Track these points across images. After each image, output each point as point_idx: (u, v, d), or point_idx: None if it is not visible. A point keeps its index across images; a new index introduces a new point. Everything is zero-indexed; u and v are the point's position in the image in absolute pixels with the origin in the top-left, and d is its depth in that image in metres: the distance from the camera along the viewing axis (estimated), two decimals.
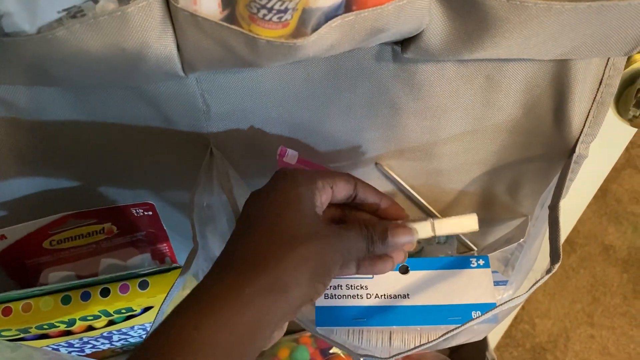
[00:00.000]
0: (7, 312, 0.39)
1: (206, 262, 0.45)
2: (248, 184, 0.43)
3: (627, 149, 1.53)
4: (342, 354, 0.66)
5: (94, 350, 0.49)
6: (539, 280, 0.38)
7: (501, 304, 0.38)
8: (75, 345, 0.46)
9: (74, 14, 0.27)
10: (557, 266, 0.38)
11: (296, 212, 0.32)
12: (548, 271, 0.37)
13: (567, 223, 0.67)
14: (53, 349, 0.45)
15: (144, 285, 0.41)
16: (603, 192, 1.44)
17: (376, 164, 0.46)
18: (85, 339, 0.45)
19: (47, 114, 0.37)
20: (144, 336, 0.48)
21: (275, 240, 0.30)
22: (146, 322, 0.45)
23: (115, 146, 0.41)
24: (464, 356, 0.66)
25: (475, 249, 0.55)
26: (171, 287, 0.37)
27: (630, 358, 1.20)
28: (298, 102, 0.38)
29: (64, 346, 0.45)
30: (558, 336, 1.23)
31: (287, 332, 0.71)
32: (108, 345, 0.48)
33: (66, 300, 0.40)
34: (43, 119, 0.37)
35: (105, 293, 0.40)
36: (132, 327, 0.45)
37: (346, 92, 0.38)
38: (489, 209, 0.51)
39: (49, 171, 0.42)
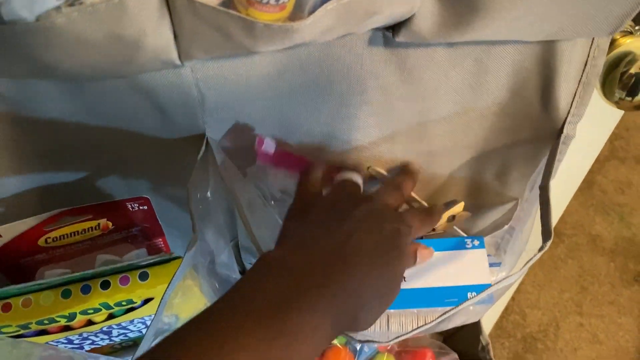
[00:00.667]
0: (6, 308, 0.39)
1: (202, 257, 0.45)
2: (243, 175, 0.44)
3: (610, 141, 1.55)
4: (338, 344, 0.66)
5: (93, 346, 0.49)
6: (532, 257, 0.38)
7: (496, 283, 0.39)
8: (75, 342, 0.46)
9: (72, 2, 0.27)
10: (549, 244, 0.39)
11: None
12: (541, 249, 0.38)
13: (554, 211, 0.68)
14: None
15: (144, 277, 0.41)
16: (589, 184, 1.46)
17: (368, 168, 0.47)
18: (84, 335, 0.45)
19: (42, 108, 0.37)
20: (143, 330, 0.49)
21: None
22: (146, 315, 0.45)
23: (110, 140, 0.41)
24: (459, 341, 0.67)
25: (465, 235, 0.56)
26: (172, 278, 0.37)
27: (619, 345, 1.22)
28: (292, 91, 0.39)
29: (63, 342, 0.45)
30: (548, 326, 1.25)
31: None
32: (107, 341, 0.48)
33: (66, 294, 0.40)
34: (38, 113, 0.37)
35: (105, 285, 0.40)
36: (131, 321, 0.45)
37: (339, 79, 0.39)
38: (479, 195, 0.52)
39: (44, 167, 0.42)
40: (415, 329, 0.39)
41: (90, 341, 0.47)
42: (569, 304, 1.28)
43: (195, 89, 0.37)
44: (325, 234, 0.34)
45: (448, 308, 0.38)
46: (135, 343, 0.52)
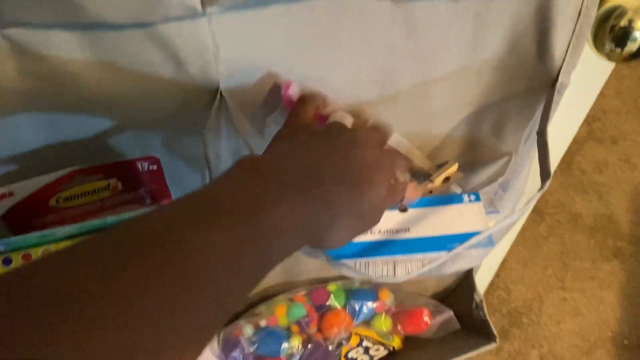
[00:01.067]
0: (27, 257, 0.40)
1: None
2: (258, 128, 0.45)
3: (588, 123, 1.60)
4: (338, 306, 0.68)
5: None
6: (532, 197, 0.41)
7: (495, 224, 0.41)
8: None
9: None
10: (547, 184, 0.41)
11: None
12: (540, 189, 0.41)
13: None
14: None
15: None
16: (568, 165, 1.51)
17: None
18: None
19: (61, 60, 0.38)
20: None
21: None
22: None
23: (124, 95, 0.42)
24: (454, 301, 0.69)
25: (460, 189, 0.58)
26: None
27: (600, 318, 1.26)
28: (303, 42, 0.41)
29: None
30: (532, 301, 1.29)
31: (281, 292, 0.73)
32: None
33: None
34: (57, 66, 0.38)
35: None
36: None
37: (347, 36, 0.41)
38: (475, 151, 0.54)
39: (58, 122, 0.43)
40: (423, 268, 0.41)
41: None
42: (552, 279, 1.32)
43: (210, 40, 0.38)
44: (306, 152, 0.34)
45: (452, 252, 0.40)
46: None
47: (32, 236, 0.40)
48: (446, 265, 0.46)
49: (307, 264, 0.70)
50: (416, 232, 0.48)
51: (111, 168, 0.48)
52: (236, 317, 0.72)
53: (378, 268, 0.47)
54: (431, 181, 0.54)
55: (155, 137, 0.47)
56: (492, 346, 0.67)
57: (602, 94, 1.67)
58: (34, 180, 0.46)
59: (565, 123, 0.48)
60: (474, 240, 0.40)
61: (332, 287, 0.71)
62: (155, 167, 0.49)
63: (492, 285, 1.30)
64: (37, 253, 0.41)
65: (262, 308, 0.71)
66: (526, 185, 0.55)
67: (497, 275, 1.32)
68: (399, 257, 0.47)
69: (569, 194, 1.46)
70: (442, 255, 0.45)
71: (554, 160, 0.64)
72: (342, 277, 0.72)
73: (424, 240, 0.48)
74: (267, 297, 0.73)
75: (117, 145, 0.47)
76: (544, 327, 1.25)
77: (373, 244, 0.48)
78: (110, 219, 0.40)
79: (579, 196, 1.45)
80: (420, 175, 0.56)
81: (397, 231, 0.48)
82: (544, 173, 0.41)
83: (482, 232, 0.40)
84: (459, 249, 0.39)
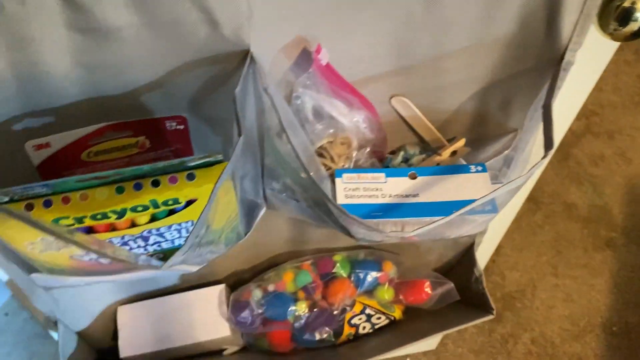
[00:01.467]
0: (66, 200, 0.43)
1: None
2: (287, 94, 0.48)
3: (586, 117, 1.64)
4: (344, 273, 0.71)
5: None
6: (536, 165, 0.44)
7: (498, 187, 0.44)
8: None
9: None
10: (551, 152, 0.44)
11: None
12: (544, 157, 0.44)
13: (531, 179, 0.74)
14: None
15: (191, 177, 0.45)
16: (565, 157, 1.54)
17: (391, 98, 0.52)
18: (126, 238, 0.49)
19: (106, 13, 0.41)
20: (175, 241, 0.53)
21: None
22: (183, 222, 0.49)
23: (161, 51, 0.44)
24: (455, 276, 0.73)
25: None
26: (220, 174, 0.41)
27: (590, 304, 1.30)
28: (326, 12, 0.43)
29: None
30: (526, 286, 1.33)
31: (291, 256, 0.76)
32: (142, 250, 0.52)
33: (120, 191, 0.44)
34: (101, 18, 0.41)
35: (155, 184, 0.45)
36: (169, 227, 0.49)
37: (369, 4, 0.44)
38: (482, 126, 0.57)
39: (96, 77, 0.46)
40: (430, 225, 0.44)
41: (128, 247, 0.51)
42: (545, 266, 1.36)
43: (245, 4, 0.41)
44: None
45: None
46: (165, 256, 0.56)
47: (72, 179, 0.42)
48: (452, 229, 0.50)
49: (314, 234, 0.73)
50: (425, 198, 0.51)
51: (140, 125, 0.50)
52: (245, 282, 0.76)
53: (387, 229, 0.50)
54: (439, 154, 0.57)
55: (184, 97, 0.50)
56: (489, 317, 0.70)
57: (600, 89, 1.71)
58: (69, 133, 0.48)
59: (561, 115, 0.51)
60: (479, 201, 0.43)
61: (337, 257, 0.74)
62: (182, 127, 0.52)
63: (487, 271, 1.33)
64: (75, 197, 0.44)
65: (270, 274, 0.74)
66: (528, 163, 0.58)
67: (493, 260, 1.36)
68: (408, 220, 0.50)
69: (565, 184, 1.49)
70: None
71: (559, 132, 0.67)
72: (348, 248, 0.76)
73: (432, 204, 0.51)
74: (275, 265, 0.76)
75: (147, 104, 0.49)
76: (536, 311, 1.29)
77: (383, 207, 0.51)
78: (145, 167, 0.43)
79: (574, 187, 1.49)
80: (429, 149, 0.59)
81: (406, 196, 0.51)
82: (548, 143, 0.44)
83: (488, 194, 0.43)
84: (466, 208, 0.42)
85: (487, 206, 0.49)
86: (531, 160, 0.55)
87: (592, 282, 1.33)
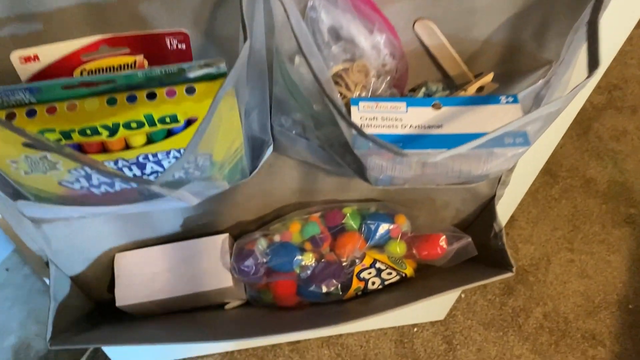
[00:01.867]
0: (52, 110, 0.39)
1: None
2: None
3: (609, 91, 1.57)
4: (354, 225, 0.67)
5: (122, 188, 0.49)
6: (578, 85, 0.39)
7: (530, 113, 0.39)
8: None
9: None
10: (596, 72, 0.39)
11: None
12: (588, 77, 0.39)
13: (547, 147, 0.70)
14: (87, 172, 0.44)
15: (190, 91, 0.41)
16: (585, 130, 1.49)
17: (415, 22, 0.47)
18: (120, 164, 0.45)
19: None
20: (176, 173, 0.48)
21: None
22: (182, 147, 0.45)
23: None
24: (473, 231, 0.68)
25: None
26: (222, 84, 0.37)
27: (606, 281, 1.25)
28: None
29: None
30: (540, 260, 1.28)
31: (298, 208, 0.72)
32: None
33: (112, 102, 0.40)
34: None
35: (152, 97, 0.40)
36: (168, 153, 0.45)
37: None
38: (513, 59, 0.52)
39: None
40: (457, 149, 0.39)
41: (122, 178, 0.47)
42: (560, 240, 1.31)
43: None
44: None
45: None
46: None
47: (58, 83, 0.38)
48: (479, 162, 0.45)
49: (324, 183, 0.69)
50: (449, 129, 0.47)
51: (138, 41, 0.46)
52: (250, 232, 0.72)
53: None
54: (464, 90, 0.52)
55: (186, 8, 0.45)
56: (508, 275, 0.66)
57: (625, 63, 1.64)
58: (58, 45, 0.44)
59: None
60: (514, 124, 0.38)
61: (347, 209, 0.70)
62: (183, 46, 0.47)
63: None
64: (62, 107, 0.39)
65: (277, 225, 0.70)
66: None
67: (507, 233, 1.31)
68: (430, 151, 0.46)
69: (584, 159, 1.44)
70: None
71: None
72: (359, 200, 0.71)
73: (457, 136, 0.46)
74: (282, 216, 0.72)
75: (146, 16, 0.45)
76: (550, 286, 1.24)
77: (403, 137, 0.46)
78: (140, 72, 0.39)
79: (594, 162, 1.43)
80: (453, 86, 0.54)
81: (429, 127, 0.47)
82: (593, 62, 0.39)
83: (523, 117, 0.38)
84: (498, 131, 0.38)
85: (518, 138, 0.44)
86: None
87: (609, 258, 1.28)
